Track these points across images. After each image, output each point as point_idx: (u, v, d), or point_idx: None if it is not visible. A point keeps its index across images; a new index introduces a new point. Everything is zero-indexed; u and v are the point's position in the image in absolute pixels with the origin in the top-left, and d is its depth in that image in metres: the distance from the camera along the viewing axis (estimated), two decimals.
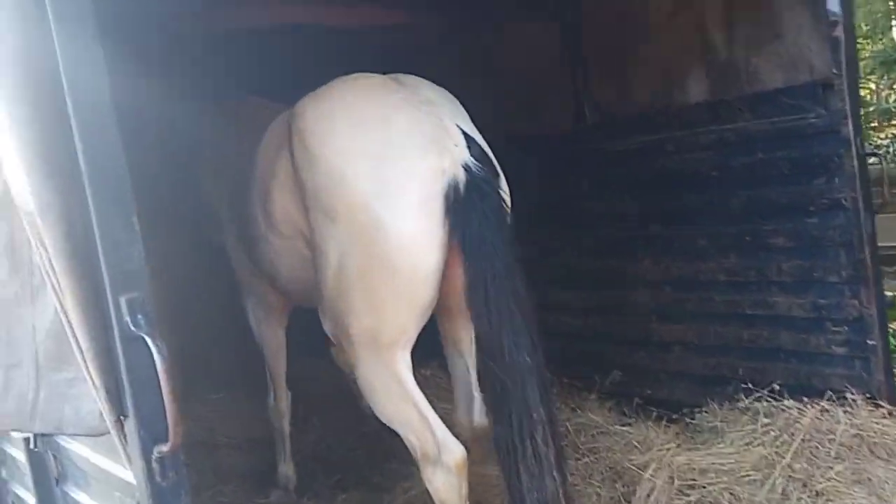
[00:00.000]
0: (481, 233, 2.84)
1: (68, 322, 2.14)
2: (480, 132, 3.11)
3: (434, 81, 3.27)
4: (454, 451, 2.95)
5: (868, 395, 3.84)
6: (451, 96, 3.28)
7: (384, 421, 3.09)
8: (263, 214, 3.55)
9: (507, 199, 3.07)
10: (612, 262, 4.98)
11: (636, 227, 4.81)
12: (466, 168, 2.88)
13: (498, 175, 3.08)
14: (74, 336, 2.13)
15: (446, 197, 2.85)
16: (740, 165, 4.28)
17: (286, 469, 4.51)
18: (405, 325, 2.97)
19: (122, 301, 2.07)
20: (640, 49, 4.68)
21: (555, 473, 2.82)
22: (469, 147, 2.94)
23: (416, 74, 3.27)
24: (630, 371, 4.96)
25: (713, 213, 4.43)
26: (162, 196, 4.48)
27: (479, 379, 3.10)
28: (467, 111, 3.23)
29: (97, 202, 2.05)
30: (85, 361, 2.13)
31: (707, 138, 4.41)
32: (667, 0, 4.51)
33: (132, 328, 2.06)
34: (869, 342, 3.89)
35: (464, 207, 2.85)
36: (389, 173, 2.88)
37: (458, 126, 3.00)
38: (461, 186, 2.85)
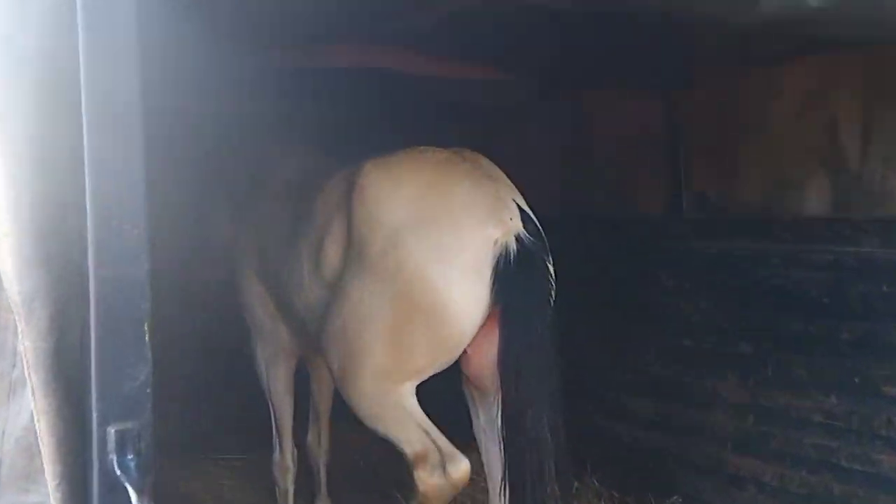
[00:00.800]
0: (524, 303, 3.03)
1: (40, 436, 1.70)
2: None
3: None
4: (460, 463, 3.16)
5: None
6: (506, 177, 3.40)
7: (385, 435, 3.22)
8: (311, 264, 3.61)
9: (553, 277, 3.22)
10: (690, 374, 4.42)
11: (724, 342, 4.25)
12: (518, 240, 3.05)
13: (548, 253, 3.21)
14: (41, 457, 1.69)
15: (496, 265, 3.02)
16: (858, 295, 3.71)
17: None
18: (423, 369, 3.17)
19: (111, 432, 1.60)
20: (757, 143, 4.15)
21: None
22: (524, 222, 3.12)
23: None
24: (692, 501, 4.39)
25: (818, 344, 3.85)
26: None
27: (503, 450, 3.14)
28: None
29: (100, 292, 1.56)
30: (50, 493, 1.68)
31: (822, 258, 3.84)
32: (796, 95, 3.97)
33: (116, 471, 1.58)
34: None
35: (511, 277, 3.01)
36: (445, 240, 3.07)
37: (514, 201, 3.18)
38: (512, 257, 3.02)
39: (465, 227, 3.09)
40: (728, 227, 4.26)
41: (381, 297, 3.14)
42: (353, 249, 3.29)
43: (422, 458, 3.15)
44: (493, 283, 3.03)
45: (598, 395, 4.86)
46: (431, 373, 3.20)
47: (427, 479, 3.17)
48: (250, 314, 4.31)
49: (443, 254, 3.07)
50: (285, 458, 4.42)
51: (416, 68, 4.40)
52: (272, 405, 4.40)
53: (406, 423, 3.18)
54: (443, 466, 3.17)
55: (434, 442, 3.17)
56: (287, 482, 4.44)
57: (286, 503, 4.45)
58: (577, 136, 5.01)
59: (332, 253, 3.45)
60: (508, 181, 3.37)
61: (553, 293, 3.18)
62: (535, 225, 3.19)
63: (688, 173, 4.47)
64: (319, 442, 4.60)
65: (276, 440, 4.42)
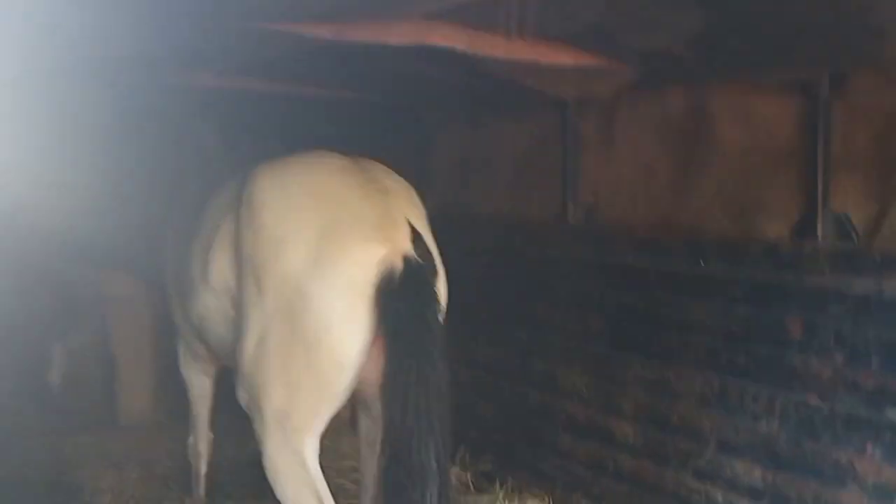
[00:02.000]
0: (410, 327, 2.89)
1: None
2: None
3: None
4: None
5: None
6: (409, 189, 3.40)
7: (281, 497, 3.10)
8: (201, 268, 3.53)
9: (443, 299, 3.18)
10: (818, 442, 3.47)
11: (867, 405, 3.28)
12: (406, 260, 2.93)
13: (436, 274, 3.12)
14: None
15: (380, 285, 2.90)
16: None
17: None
18: (317, 408, 3.02)
19: None
20: None
21: None
22: (414, 241, 3.00)
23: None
24: None
25: None
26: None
27: (382, 474, 2.97)
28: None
29: None
30: None
31: None
32: None
33: None
34: None
35: (395, 298, 2.89)
36: (326, 253, 2.95)
37: (406, 219, 3.07)
38: (396, 277, 2.90)
39: (349, 242, 2.96)
40: (879, 266, 3.25)
41: (269, 316, 3.04)
42: (243, 260, 3.18)
43: None
44: (376, 305, 2.91)
45: None
46: (327, 416, 3.05)
47: None
48: (172, 316, 4.36)
49: (323, 270, 2.94)
50: (199, 444, 4.60)
51: (492, 50, 3.65)
52: (191, 401, 4.55)
53: (306, 490, 3.05)
54: None
55: None
56: (200, 464, 4.63)
57: (198, 485, 4.66)
58: (686, 135, 4.09)
59: (220, 259, 3.38)
60: (408, 196, 3.33)
61: (440, 316, 3.06)
62: (426, 245, 3.10)
63: (827, 194, 3.47)
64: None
65: (191, 428, 4.62)
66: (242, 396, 3.21)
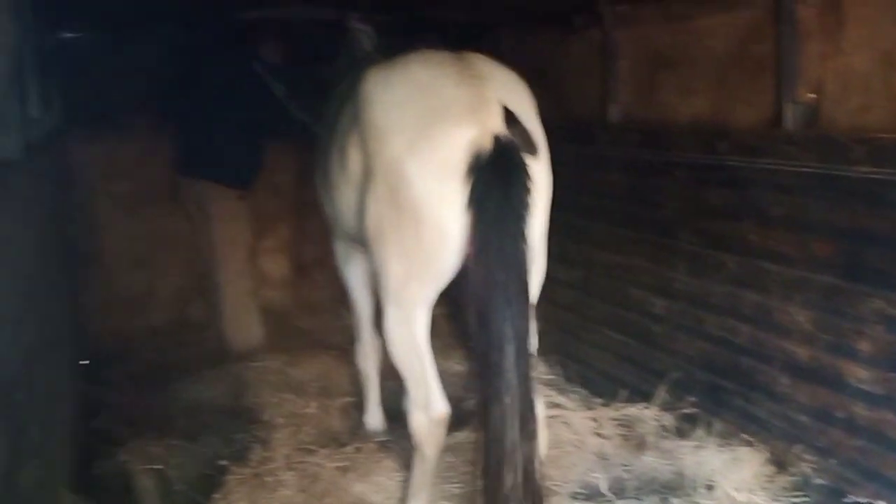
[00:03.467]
0: (493, 203, 3.09)
1: None
2: None
3: None
4: (438, 406, 3.51)
5: None
6: (517, 80, 3.59)
7: (395, 362, 3.58)
8: (339, 163, 3.85)
9: (542, 178, 3.36)
10: None
11: None
12: (495, 140, 3.11)
13: (536, 155, 3.29)
14: None
15: (469, 162, 3.10)
16: None
17: (375, 421, 4.94)
18: (427, 279, 3.36)
19: None
20: None
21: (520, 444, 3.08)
22: (508, 123, 3.16)
23: None
24: None
25: None
26: None
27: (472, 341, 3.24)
28: None
29: None
30: None
31: None
32: None
33: None
34: None
35: (482, 175, 3.10)
36: (421, 138, 3.22)
37: (499, 102, 3.21)
38: (486, 155, 3.09)
39: (442, 126, 3.20)
40: None
41: (380, 199, 3.38)
42: (364, 153, 3.50)
43: (416, 401, 3.52)
44: (467, 181, 3.10)
45: None
46: (435, 288, 3.39)
47: (416, 423, 3.55)
48: (326, 211, 4.56)
49: (417, 150, 3.21)
50: (365, 346, 4.88)
51: None
52: (351, 299, 4.85)
53: (414, 356, 3.49)
54: (426, 407, 3.51)
55: (426, 382, 3.49)
56: (369, 368, 4.91)
57: (370, 386, 4.94)
58: None
59: (353, 155, 3.65)
60: (507, 82, 3.49)
61: (530, 194, 3.15)
62: (522, 127, 3.23)
63: None
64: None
65: (357, 331, 4.89)
66: (376, 273, 3.60)
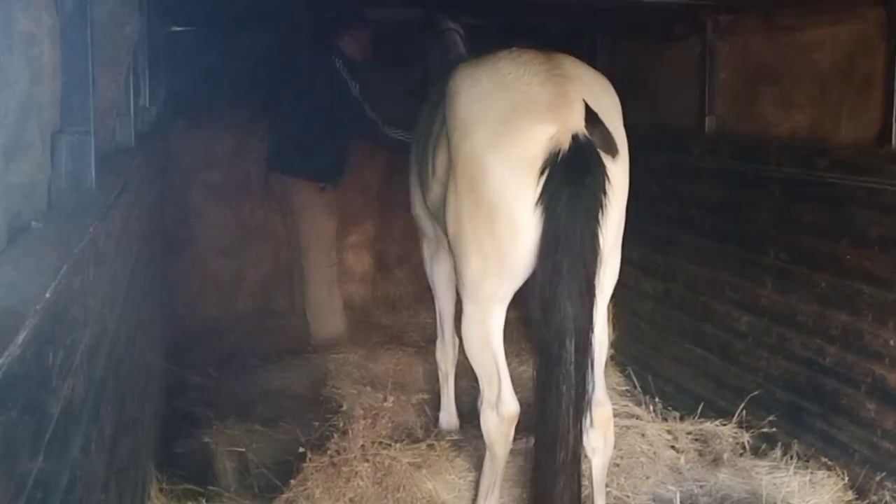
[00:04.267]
0: (564, 197, 3.12)
1: None
2: None
3: None
4: (509, 405, 3.54)
5: None
6: (604, 83, 3.64)
7: (470, 360, 3.69)
8: (431, 164, 3.88)
9: (620, 181, 3.35)
10: None
11: None
12: (574, 137, 3.14)
13: (615, 156, 3.30)
14: None
15: (546, 159, 3.15)
16: None
17: (450, 419, 5.02)
18: (503, 274, 3.40)
19: None
20: None
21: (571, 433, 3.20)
22: (589, 121, 3.19)
23: None
24: None
25: None
26: None
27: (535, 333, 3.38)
28: None
29: None
30: None
31: None
32: None
33: None
34: None
35: (558, 170, 3.13)
36: (503, 132, 3.28)
37: (582, 101, 3.24)
38: (563, 153, 3.13)
39: (523, 122, 3.25)
40: None
41: (460, 192, 3.45)
42: (449, 146, 3.56)
43: (488, 399, 3.57)
44: (541, 176, 3.15)
45: None
46: (512, 283, 3.42)
47: (487, 421, 3.60)
48: (414, 210, 4.72)
49: (497, 144, 3.27)
50: (446, 344, 4.99)
51: None
52: (436, 297, 4.95)
53: (487, 353, 3.55)
54: (496, 405, 3.55)
55: (499, 379, 3.55)
56: (448, 365, 5.03)
57: (447, 384, 5.05)
58: None
59: (440, 151, 3.72)
60: (592, 82, 3.53)
61: (605, 192, 3.19)
62: (603, 126, 3.25)
63: None
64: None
65: (439, 328, 5.00)
66: (455, 269, 3.70)
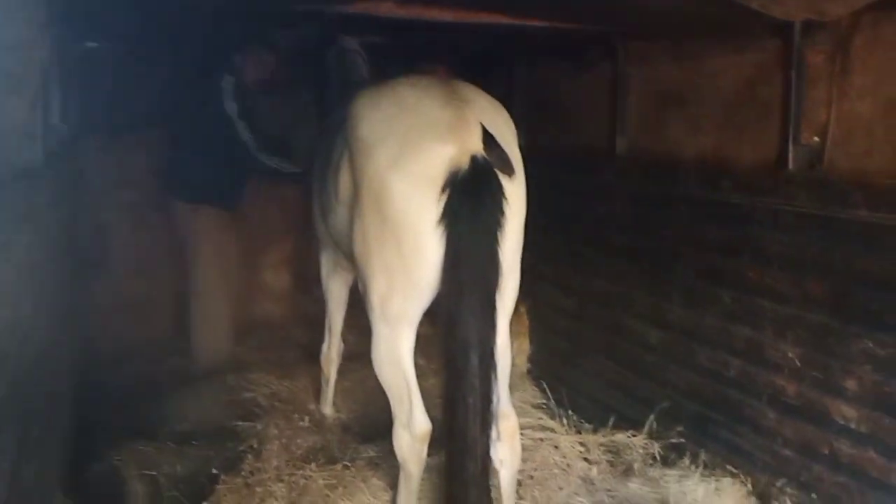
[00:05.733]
0: (464, 216, 3.26)
1: None
2: None
3: None
4: (420, 423, 3.62)
5: None
6: (499, 108, 3.77)
7: (380, 379, 3.72)
8: (333, 185, 4.00)
9: (517, 200, 3.49)
10: None
11: None
12: (473, 158, 3.28)
13: (512, 175, 3.46)
14: None
15: (447, 178, 3.28)
16: None
17: (327, 410, 5.45)
18: (409, 293, 3.48)
19: None
20: None
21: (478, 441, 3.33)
22: (486, 143, 3.33)
23: None
24: None
25: None
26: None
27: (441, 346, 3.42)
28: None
29: None
30: None
31: None
32: None
33: None
34: None
35: (457, 190, 3.26)
36: (404, 150, 3.39)
37: (480, 124, 3.37)
38: (463, 172, 3.27)
39: (423, 143, 3.36)
40: None
41: (364, 212, 3.54)
42: (352, 169, 3.67)
43: (399, 419, 3.64)
44: (442, 194, 3.26)
45: None
46: (419, 302, 3.51)
47: (399, 440, 3.66)
48: (317, 229, 4.88)
49: (400, 164, 3.38)
50: (332, 351, 5.38)
51: None
52: (328, 309, 5.30)
53: (398, 373, 3.60)
54: (408, 424, 3.61)
55: (410, 399, 3.60)
56: (331, 370, 5.41)
57: (328, 385, 5.45)
58: None
59: (343, 174, 3.82)
60: (489, 107, 3.66)
61: (503, 210, 3.32)
62: (500, 149, 3.39)
63: None
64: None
65: (326, 336, 5.38)
66: (361, 291, 3.76)
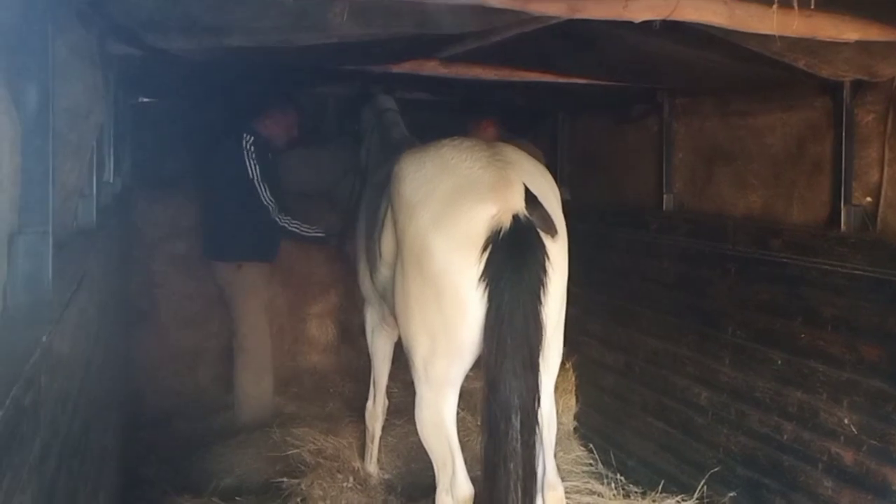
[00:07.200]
0: (507, 276, 3.23)
1: None
2: None
3: None
4: (463, 488, 3.53)
5: None
6: (543, 170, 3.81)
7: (423, 442, 3.71)
8: (377, 244, 4.06)
9: (560, 260, 3.47)
10: None
11: None
12: (515, 218, 3.26)
13: (555, 236, 3.44)
14: None
15: (488, 237, 3.26)
16: None
17: (372, 468, 5.45)
18: (451, 354, 3.46)
19: None
20: None
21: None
22: (528, 203, 3.33)
23: None
24: None
25: None
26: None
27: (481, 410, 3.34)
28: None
29: None
30: None
31: None
32: None
33: None
34: None
35: (499, 250, 3.24)
36: (446, 212, 3.41)
37: (522, 184, 3.37)
38: (504, 231, 3.25)
39: (465, 201, 3.37)
40: None
41: (407, 272, 3.55)
42: (396, 228, 3.69)
43: (442, 482, 3.57)
44: (483, 253, 3.25)
45: None
46: (461, 363, 3.48)
47: (439, 495, 3.58)
48: (362, 286, 4.93)
49: (441, 223, 3.39)
50: (377, 408, 5.38)
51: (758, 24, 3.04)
52: (373, 365, 5.33)
53: (441, 437, 3.58)
54: (450, 489, 3.54)
55: (453, 463, 3.55)
56: (376, 427, 5.42)
57: (373, 443, 5.46)
58: None
59: (387, 234, 3.88)
60: (532, 168, 3.67)
61: (546, 271, 3.28)
62: (543, 208, 3.38)
63: None
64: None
65: (371, 392, 5.39)
66: (405, 352, 3.72)
